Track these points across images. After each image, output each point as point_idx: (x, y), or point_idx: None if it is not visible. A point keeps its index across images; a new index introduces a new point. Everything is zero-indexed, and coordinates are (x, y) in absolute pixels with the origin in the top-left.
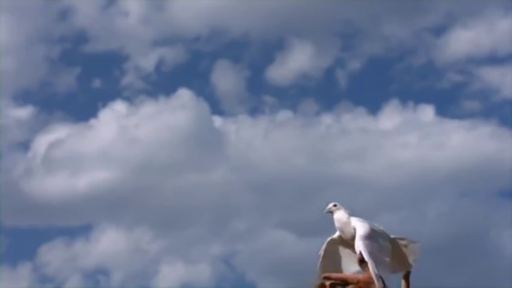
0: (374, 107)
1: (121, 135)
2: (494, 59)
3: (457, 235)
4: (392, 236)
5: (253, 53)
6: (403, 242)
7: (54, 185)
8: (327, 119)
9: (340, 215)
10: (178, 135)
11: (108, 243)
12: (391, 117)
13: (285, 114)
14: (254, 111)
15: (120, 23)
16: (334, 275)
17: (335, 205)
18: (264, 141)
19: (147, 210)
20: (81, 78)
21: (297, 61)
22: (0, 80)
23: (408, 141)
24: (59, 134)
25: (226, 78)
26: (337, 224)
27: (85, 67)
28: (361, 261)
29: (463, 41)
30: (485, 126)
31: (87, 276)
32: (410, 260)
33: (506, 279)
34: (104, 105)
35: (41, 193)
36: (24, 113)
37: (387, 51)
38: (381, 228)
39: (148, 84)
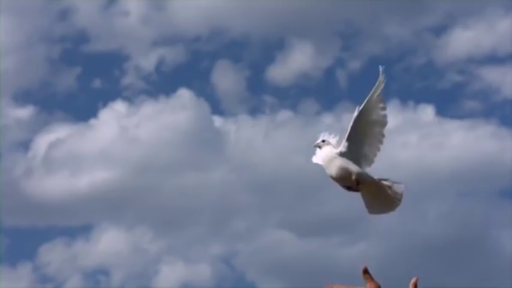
0: None
1: (121, 135)
2: (494, 59)
3: (457, 235)
4: (376, 178)
5: (253, 53)
6: (387, 183)
7: (54, 185)
8: (327, 119)
9: (326, 151)
10: (178, 135)
11: (108, 243)
12: (391, 117)
13: (285, 114)
14: (254, 111)
15: (120, 23)
16: (336, 286)
17: (323, 141)
18: (264, 141)
19: (147, 210)
20: (81, 78)
21: (297, 61)
22: (0, 80)
23: (408, 141)
24: (59, 134)
25: (226, 78)
26: (322, 161)
27: (85, 67)
28: (364, 272)
29: (464, 41)
30: (486, 126)
31: (87, 276)
32: (395, 200)
33: (506, 279)
34: (104, 105)
35: (41, 193)
36: (24, 113)
37: (387, 51)
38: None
39: (148, 84)
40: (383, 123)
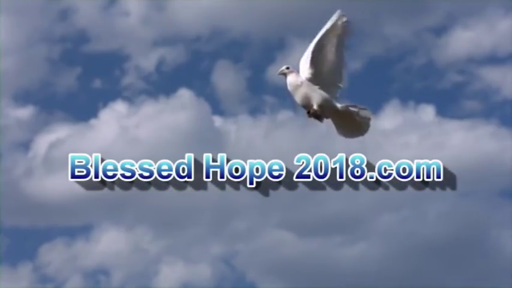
0: (374, 107)
1: (121, 135)
2: (494, 59)
3: (457, 235)
4: (342, 106)
5: (253, 53)
6: (354, 109)
7: (54, 185)
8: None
9: (292, 79)
10: (178, 135)
11: (108, 243)
12: (391, 117)
13: (285, 114)
14: (254, 111)
15: (121, 23)
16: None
17: (288, 68)
18: (265, 141)
19: (147, 210)
20: (82, 78)
21: (297, 61)
22: (0, 80)
23: (408, 141)
24: (59, 134)
25: (226, 78)
26: (289, 88)
27: (85, 67)
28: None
29: (464, 41)
30: (486, 126)
31: (87, 276)
32: (363, 125)
33: (506, 279)
34: (105, 105)
35: (41, 193)
36: (24, 113)
37: (388, 51)
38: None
39: (148, 84)
40: (345, 35)
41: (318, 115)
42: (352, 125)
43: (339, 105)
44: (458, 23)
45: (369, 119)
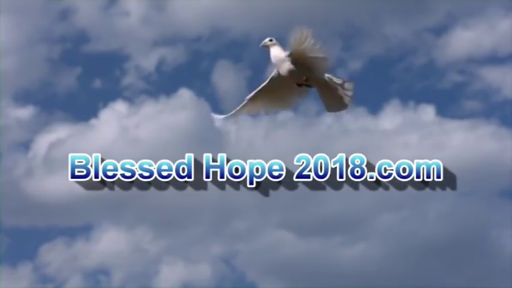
0: (375, 107)
1: (122, 135)
2: (495, 59)
3: (457, 235)
4: (326, 76)
5: (253, 53)
6: (337, 81)
7: (54, 185)
8: (327, 119)
9: (276, 52)
10: (178, 135)
11: (109, 243)
12: (391, 117)
13: (285, 114)
14: None
15: (121, 23)
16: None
17: (271, 40)
18: (265, 141)
19: (147, 210)
20: (82, 78)
21: None
22: (0, 80)
23: (409, 141)
24: (59, 134)
25: (226, 78)
26: (273, 60)
27: (86, 67)
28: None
29: (464, 41)
30: (486, 126)
31: (87, 276)
32: (346, 98)
33: (506, 279)
34: (105, 105)
35: (41, 193)
36: (24, 113)
37: (388, 51)
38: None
39: (149, 84)
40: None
41: (308, 84)
42: (335, 98)
43: (325, 75)
44: (459, 23)
45: (352, 90)
